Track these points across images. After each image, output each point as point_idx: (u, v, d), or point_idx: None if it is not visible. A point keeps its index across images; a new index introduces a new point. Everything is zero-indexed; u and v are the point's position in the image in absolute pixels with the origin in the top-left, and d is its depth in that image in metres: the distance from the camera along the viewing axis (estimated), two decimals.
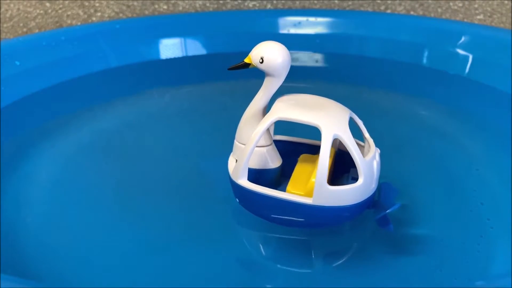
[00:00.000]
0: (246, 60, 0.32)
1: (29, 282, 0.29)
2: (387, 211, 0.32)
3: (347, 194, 0.30)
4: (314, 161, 0.34)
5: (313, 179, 0.31)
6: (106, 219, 0.36)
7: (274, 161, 0.34)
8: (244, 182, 0.32)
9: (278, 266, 0.32)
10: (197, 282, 0.31)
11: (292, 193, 0.31)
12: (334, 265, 0.32)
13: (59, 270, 0.31)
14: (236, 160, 0.33)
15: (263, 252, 0.33)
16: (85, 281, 0.31)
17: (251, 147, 0.31)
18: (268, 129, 0.33)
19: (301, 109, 0.31)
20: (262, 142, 0.33)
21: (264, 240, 0.34)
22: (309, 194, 0.31)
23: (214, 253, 0.33)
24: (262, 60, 0.31)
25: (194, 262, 0.32)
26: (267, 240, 0.34)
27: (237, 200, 0.34)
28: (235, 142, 0.34)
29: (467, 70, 0.54)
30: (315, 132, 0.31)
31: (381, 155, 0.33)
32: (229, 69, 0.33)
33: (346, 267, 0.31)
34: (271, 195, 0.31)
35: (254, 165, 0.33)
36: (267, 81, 0.32)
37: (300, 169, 0.34)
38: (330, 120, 0.31)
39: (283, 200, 0.31)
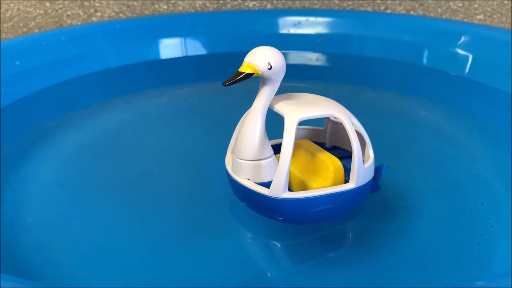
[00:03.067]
0: (248, 70, 0.30)
1: (29, 282, 0.29)
2: (382, 173, 0.35)
3: (371, 168, 0.33)
4: (299, 156, 0.34)
5: (331, 168, 0.31)
6: (106, 218, 0.36)
7: None
8: (290, 194, 0.30)
9: (280, 263, 0.32)
10: (197, 282, 0.31)
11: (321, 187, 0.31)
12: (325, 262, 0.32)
13: (59, 270, 0.31)
14: (248, 179, 0.32)
15: (264, 251, 0.33)
16: (85, 281, 0.30)
17: (288, 158, 0.30)
18: (266, 138, 0.32)
19: (308, 105, 0.32)
20: (270, 152, 0.32)
21: (264, 239, 0.34)
22: (335, 183, 0.31)
23: (214, 252, 0.33)
24: (271, 66, 0.30)
25: (194, 262, 0.32)
26: (267, 238, 0.34)
27: (278, 218, 0.32)
28: (236, 159, 0.32)
29: (467, 70, 0.54)
30: None
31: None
32: (226, 85, 0.30)
33: (343, 265, 0.32)
34: (323, 193, 0.31)
35: (269, 177, 0.32)
36: (268, 88, 0.31)
37: (297, 167, 0.33)
38: (339, 108, 0.32)
39: (332, 194, 0.31)
